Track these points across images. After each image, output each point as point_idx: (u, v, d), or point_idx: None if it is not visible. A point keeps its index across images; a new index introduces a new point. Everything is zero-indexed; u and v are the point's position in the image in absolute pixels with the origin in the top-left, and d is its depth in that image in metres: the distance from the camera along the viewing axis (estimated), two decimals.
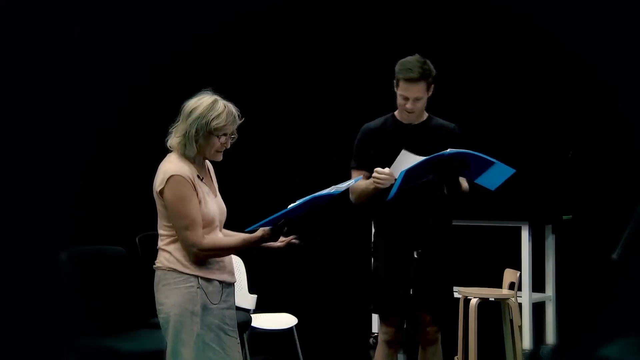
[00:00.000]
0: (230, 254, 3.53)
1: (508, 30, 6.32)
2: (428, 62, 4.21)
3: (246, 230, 3.48)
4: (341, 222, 6.67)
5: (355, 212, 5.50)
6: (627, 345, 4.19)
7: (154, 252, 5.72)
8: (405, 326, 5.94)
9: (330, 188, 3.54)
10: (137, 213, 6.33)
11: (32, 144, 5.56)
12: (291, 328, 5.59)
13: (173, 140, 3.50)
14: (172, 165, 3.44)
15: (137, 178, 6.48)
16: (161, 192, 3.43)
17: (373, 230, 4.51)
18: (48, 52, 5.72)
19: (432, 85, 4.21)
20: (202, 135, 3.43)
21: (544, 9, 6.03)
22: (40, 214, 5.48)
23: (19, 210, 5.40)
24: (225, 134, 3.46)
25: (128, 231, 5.67)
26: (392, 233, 4.28)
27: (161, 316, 3.45)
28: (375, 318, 6.38)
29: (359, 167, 4.31)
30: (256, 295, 5.60)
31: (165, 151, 3.58)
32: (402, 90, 4.19)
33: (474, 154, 3.85)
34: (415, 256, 4.22)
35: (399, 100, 4.24)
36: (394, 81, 4.24)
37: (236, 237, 3.53)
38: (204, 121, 3.42)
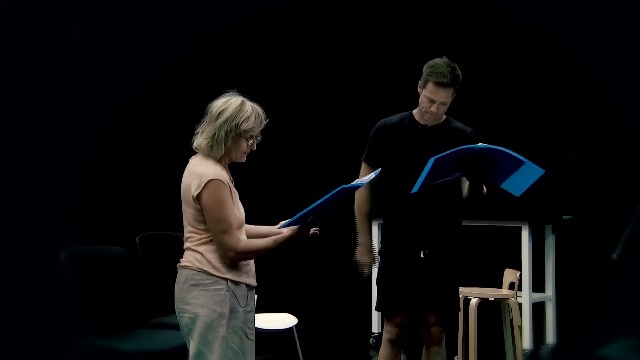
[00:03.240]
0: (262, 255, 3.51)
1: (508, 30, 6.32)
2: (457, 66, 4.16)
3: (277, 228, 3.52)
4: (341, 221, 6.67)
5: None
6: (627, 345, 4.20)
7: (154, 252, 5.74)
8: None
9: (355, 181, 3.59)
10: (137, 213, 6.36)
11: (32, 144, 5.56)
12: (291, 328, 5.58)
13: (201, 141, 3.47)
14: (209, 169, 3.42)
15: (137, 178, 6.51)
16: (198, 196, 3.40)
17: (380, 228, 4.49)
18: (46, 52, 5.72)
19: (457, 91, 4.19)
20: (230, 138, 3.43)
21: (544, 9, 6.03)
22: (40, 214, 5.47)
23: (19, 210, 5.40)
24: (252, 136, 3.47)
25: (128, 231, 5.67)
26: (399, 232, 4.27)
27: (186, 315, 3.43)
28: (375, 318, 6.38)
29: (367, 161, 4.30)
30: (256, 295, 5.59)
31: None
32: (429, 93, 4.13)
33: (505, 151, 3.75)
34: (422, 256, 4.20)
35: (424, 102, 4.17)
36: (420, 82, 4.17)
37: (267, 238, 3.53)
38: (233, 123, 3.41)
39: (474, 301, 5.13)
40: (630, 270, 4.44)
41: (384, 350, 4.34)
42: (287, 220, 3.52)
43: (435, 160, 3.73)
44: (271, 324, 5.52)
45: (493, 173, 3.86)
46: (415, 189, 3.82)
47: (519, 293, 5.42)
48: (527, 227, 5.88)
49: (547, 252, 6.18)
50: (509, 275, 5.35)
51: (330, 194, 3.40)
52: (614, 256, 3.41)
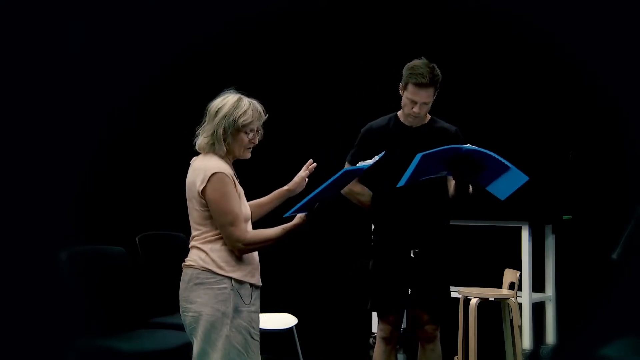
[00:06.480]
0: (271, 245, 3.50)
1: (508, 30, 6.32)
2: (436, 66, 4.23)
3: (284, 216, 3.49)
4: (341, 221, 6.68)
5: (355, 212, 5.50)
6: (627, 345, 4.19)
7: (154, 252, 5.74)
8: (405, 325, 5.98)
9: (360, 163, 3.64)
10: (137, 213, 6.36)
11: (32, 143, 5.56)
12: (291, 328, 5.58)
13: (201, 140, 3.50)
14: (212, 163, 3.44)
15: (137, 178, 6.51)
16: (203, 190, 3.41)
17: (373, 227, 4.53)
18: (46, 52, 5.72)
19: (438, 90, 4.24)
20: (230, 134, 3.46)
21: (544, 9, 6.03)
22: (40, 214, 5.48)
23: (18, 210, 5.40)
24: (252, 130, 3.49)
25: (128, 231, 5.67)
26: (390, 232, 4.30)
27: (190, 314, 3.43)
28: (375, 318, 6.38)
29: (350, 163, 4.34)
30: None
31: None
32: (410, 94, 4.20)
33: (492, 155, 3.78)
34: (412, 256, 4.25)
35: (406, 104, 4.25)
36: (401, 84, 4.24)
37: (275, 227, 3.53)
38: (231, 119, 3.44)
39: (474, 301, 5.13)
40: (630, 270, 4.44)
41: (378, 348, 4.40)
42: (293, 208, 3.51)
43: (423, 156, 3.75)
44: (271, 324, 5.52)
45: (479, 174, 3.88)
46: (401, 183, 3.84)
47: (519, 293, 5.42)
48: (527, 227, 5.88)
49: (547, 252, 6.18)
50: (509, 275, 5.35)
51: (334, 177, 3.43)
52: (614, 256, 3.42)
